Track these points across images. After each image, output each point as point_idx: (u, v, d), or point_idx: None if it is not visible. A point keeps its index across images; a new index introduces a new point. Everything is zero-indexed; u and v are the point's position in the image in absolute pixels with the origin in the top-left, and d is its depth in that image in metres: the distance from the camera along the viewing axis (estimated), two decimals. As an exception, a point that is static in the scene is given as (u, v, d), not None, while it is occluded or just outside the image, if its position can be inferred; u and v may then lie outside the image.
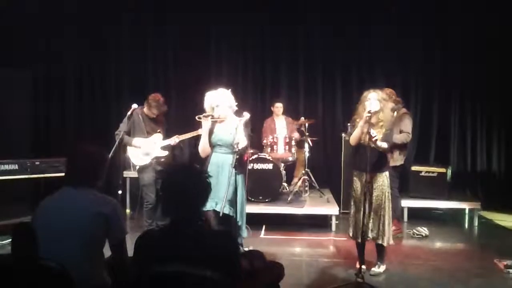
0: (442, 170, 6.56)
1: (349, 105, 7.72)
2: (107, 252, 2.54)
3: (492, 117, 7.66)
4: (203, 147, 4.14)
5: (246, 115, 4.20)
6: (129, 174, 6.65)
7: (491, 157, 7.68)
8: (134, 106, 5.33)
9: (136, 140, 5.33)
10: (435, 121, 7.75)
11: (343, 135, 6.88)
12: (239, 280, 2.06)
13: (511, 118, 7.55)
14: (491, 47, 7.44)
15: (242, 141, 4.09)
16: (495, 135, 7.67)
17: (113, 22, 7.82)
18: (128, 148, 5.38)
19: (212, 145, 4.23)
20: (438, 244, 5.60)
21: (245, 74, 7.93)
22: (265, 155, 6.29)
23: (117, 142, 4.95)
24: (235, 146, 4.03)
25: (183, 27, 7.78)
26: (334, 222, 5.99)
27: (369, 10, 7.57)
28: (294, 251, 5.19)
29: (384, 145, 4.03)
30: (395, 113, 4.80)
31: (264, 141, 6.62)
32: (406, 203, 6.44)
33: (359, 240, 4.19)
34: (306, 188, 6.80)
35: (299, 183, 6.68)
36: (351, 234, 4.29)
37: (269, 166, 6.22)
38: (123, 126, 5.23)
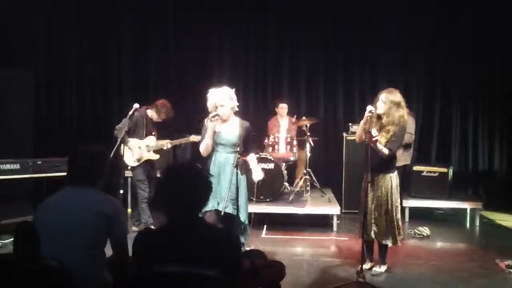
0: (444, 170, 6.55)
1: (350, 105, 7.76)
2: (108, 251, 2.54)
3: (493, 116, 7.66)
4: (206, 147, 4.11)
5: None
6: (130, 173, 6.64)
7: (492, 157, 7.68)
8: (136, 105, 5.34)
9: (132, 142, 5.43)
10: (437, 121, 7.76)
11: (344, 134, 6.88)
12: (239, 279, 2.06)
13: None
14: (491, 47, 7.43)
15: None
16: (496, 134, 7.67)
17: (113, 22, 7.82)
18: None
19: (215, 145, 4.22)
20: (440, 244, 5.60)
21: (246, 74, 7.94)
22: (266, 155, 6.29)
23: (118, 142, 4.97)
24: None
25: (185, 27, 7.78)
26: (335, 221, 5.98)
27: (369, 10, 7.57)
28: (295, 250, 5.19)
29: (385, 150, 3.95)
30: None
31: (266, 141, 6.63)
32: (408, 203, 6.43)
33: (361, 239, 4.18)
34: (308, 188, 6.80)
35: (301, 183, 6.68)
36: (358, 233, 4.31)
37: (271, 165, 6.22)
38: (124, 125, 5.25)
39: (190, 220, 2.08)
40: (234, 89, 4.17)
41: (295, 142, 6.62)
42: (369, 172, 3.95)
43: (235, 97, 4.16)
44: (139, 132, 5.56)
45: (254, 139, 4.52)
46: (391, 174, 4.13)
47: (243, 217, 4.13)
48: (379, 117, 4.06)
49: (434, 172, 6.55)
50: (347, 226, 6.06)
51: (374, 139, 3.84)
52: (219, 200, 3.98)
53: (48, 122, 7.80)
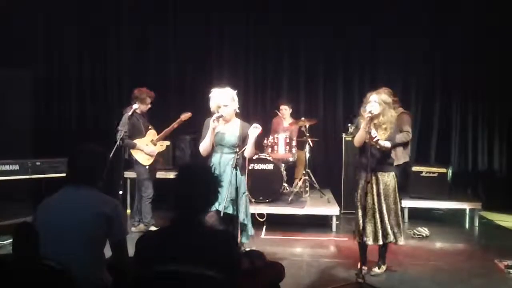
0: (443, 170, 6.55)
1: (350, 105, 7.75)
2: (107, 252, 2.54)
3: (493, 117, 7.65)
4: (206, 147, 4.10)
5: (258, 127, 4.14)
6: (129, 174, 6.65)
7: (492, 157, 7.67)
8: (135, 106, 5.35)
9: (139, 143, 5.47)
10: (436, 121, 7.74)
11: (343, 135, 6.88)
12: (239, 279, 2.06)
13: (512, 118, 7.56)
14: (491, 47, 7.43)
15: (249, 150, 4.11)
16: (496, 135, 7.65)
17: (113, 22, 7.82)
18: (133, 151, 5.48)
19: (214, 145, 4.22)
20: (439, 245, 5.60)
21: (246, 75, 7.93)
22: (265, 156, 6.28)
23: (117, 142, 4.97)
24: (237, 149, 4.06)
25: (185, 27, 7.77)
26: (334, 222, 5.98)
27: (369, 10, 7.57)
28: (295, 251, 5.19)
29: (387, 144, 4.06)
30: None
31: (265, 142, 6.62)
32: (407, 203, 6.42)
33: (359, 240, 4.19)
34: (307, 189, 6.79)
35: (300, 183, 6.68)
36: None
37: (270, 166, 6.21)
38: (124, 126, 5.25)
39: (190, 220, 2.08)
40: (236, 91, 4.17)
41: (294, 143, 6.62)
42: (368, 173, 3.98)
43: (237, 99, 4.16)
44: (138, 131, 5.57)
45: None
46: (390, 173, 4.21)
47: (242, 218, 4.13)
48: (371, 118, 4.10)
49: (434, 172, 6.55)
50: (346, 227, 6.06)
51: (375, 139, 3.93)
52: (220, 201, 3.97)
53: (48, 122, 7.80)
